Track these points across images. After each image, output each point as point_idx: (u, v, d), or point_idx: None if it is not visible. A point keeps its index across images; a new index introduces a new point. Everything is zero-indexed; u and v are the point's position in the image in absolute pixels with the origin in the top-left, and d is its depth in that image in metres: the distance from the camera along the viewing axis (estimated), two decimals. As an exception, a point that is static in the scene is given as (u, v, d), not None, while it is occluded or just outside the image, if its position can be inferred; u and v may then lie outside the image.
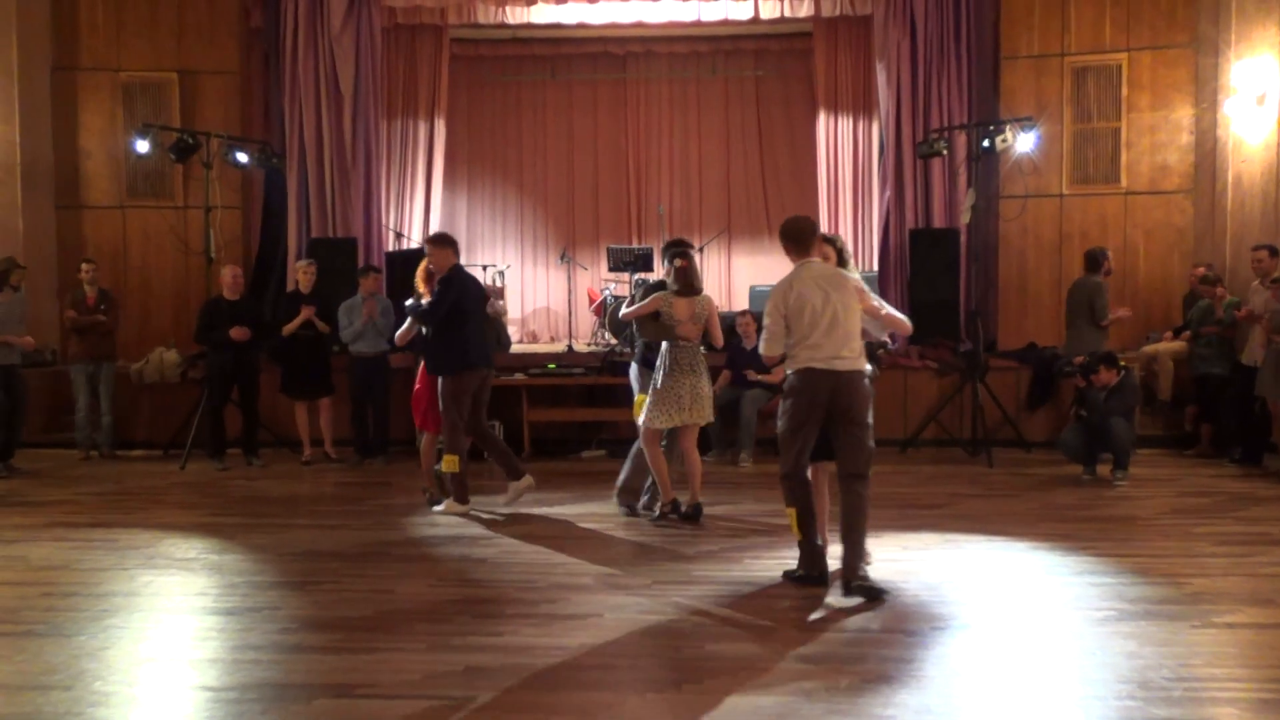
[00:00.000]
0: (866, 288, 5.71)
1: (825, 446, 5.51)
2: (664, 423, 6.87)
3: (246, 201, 11.89)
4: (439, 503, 7.53)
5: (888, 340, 11.30)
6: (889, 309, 5.86)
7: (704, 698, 4.02)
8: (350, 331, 9.53)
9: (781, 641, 4.70)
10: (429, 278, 7.41)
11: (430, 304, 7.28)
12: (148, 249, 11.57)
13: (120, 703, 4.05)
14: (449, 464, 7.33)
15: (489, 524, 7.15)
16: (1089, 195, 11.25)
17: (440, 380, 7.30)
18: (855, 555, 5.32)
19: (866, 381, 5.50)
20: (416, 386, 7.62)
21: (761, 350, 5.67)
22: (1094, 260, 9.54)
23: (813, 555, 5.51)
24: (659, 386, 6.89)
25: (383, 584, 5.71)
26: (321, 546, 6.54)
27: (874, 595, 5.22)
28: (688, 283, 7.05)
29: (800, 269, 5.54)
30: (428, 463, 7.68)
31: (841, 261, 5.88)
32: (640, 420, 7.00)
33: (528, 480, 7.53)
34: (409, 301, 7.52)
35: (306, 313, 9.45)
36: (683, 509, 6.98)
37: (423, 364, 7.54)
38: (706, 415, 6.98)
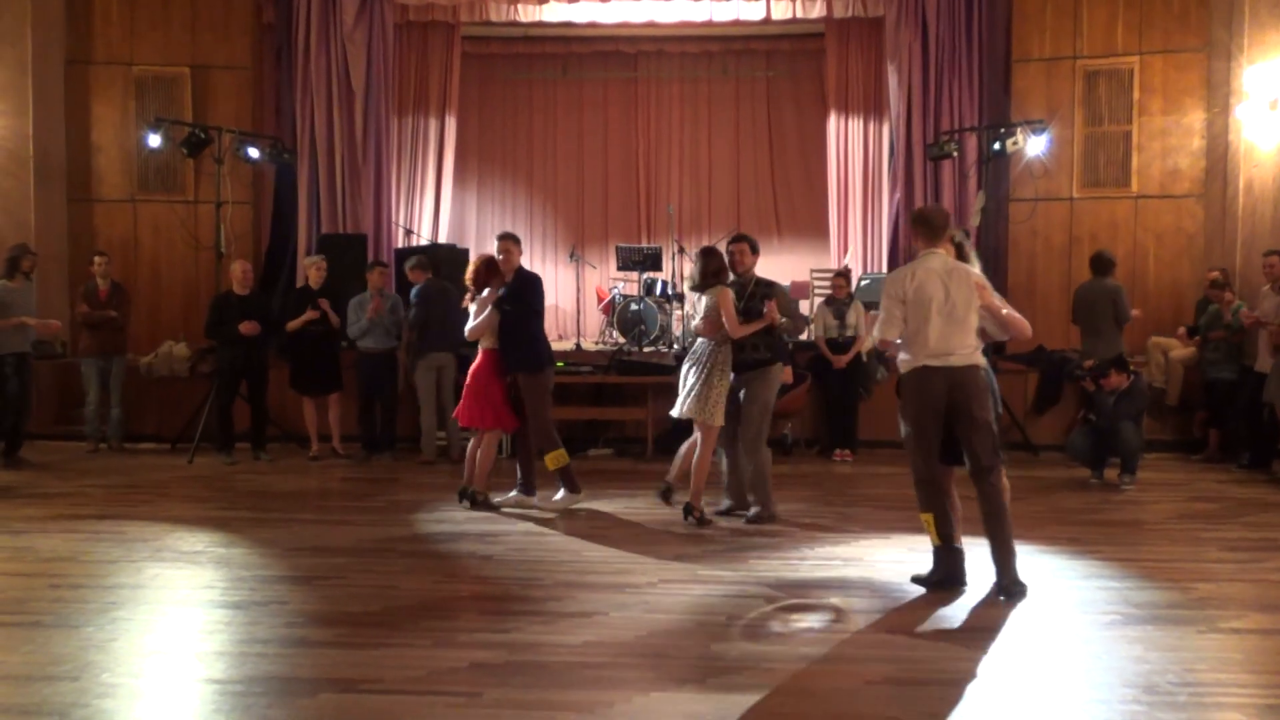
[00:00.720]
0: (988, 283, 5.63)
1: (953, 449, 5.47)
2: (723, 419, 6.85)
3: (257, 197, 11.92)
4: (482, 502, 7.47)
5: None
6: (1010, 309, 5.72)
7: (707, 696, 4.02)
8: (357, 327, 9.54)
9: (787, 642, 4.71)
10: (485, 274, 7.40)
11: (521, 297, 7.32)
12: (158, 243, 11.61)
13: (126, 695, 4.06)
14: (555, 460, 7.34)
15: (496, 521, 7.16)
16: (1099, 199, 11.22)
17: (522, 378, 7.32)
18: (1008, 555, 5.30)
19: (982, 374, 5.45)
20: (478, 383, 7.41)
21: (877, 335, 5.65)
22: (1109, 263, 9.52)
23: (950, 560, 5.45)
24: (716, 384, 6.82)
25: (389, 579, 5.71)
26: (328, 542, 6.55)
27: (1024, 595, 5.25)
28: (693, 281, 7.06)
29: (925, 258, 5.46)
30: (485, 466, 7.50)
31: (961, 258, 5.76)
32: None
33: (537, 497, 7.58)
34: (484, 293, 7.40)
35: (312, 313, 9.45)
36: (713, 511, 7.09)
37: (482, 361, 7.43)
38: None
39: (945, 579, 5.44)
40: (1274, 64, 9.73)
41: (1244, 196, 10.31)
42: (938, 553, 5.48)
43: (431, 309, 9.35)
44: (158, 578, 5.72)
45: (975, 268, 5.67)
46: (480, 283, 7.38)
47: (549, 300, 14.54)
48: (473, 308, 7.44)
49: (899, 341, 5.47)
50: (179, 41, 11.55)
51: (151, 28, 11.53)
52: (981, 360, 5.48)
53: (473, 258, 7.76)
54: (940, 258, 5.47)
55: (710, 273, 6.96)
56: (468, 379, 7.50)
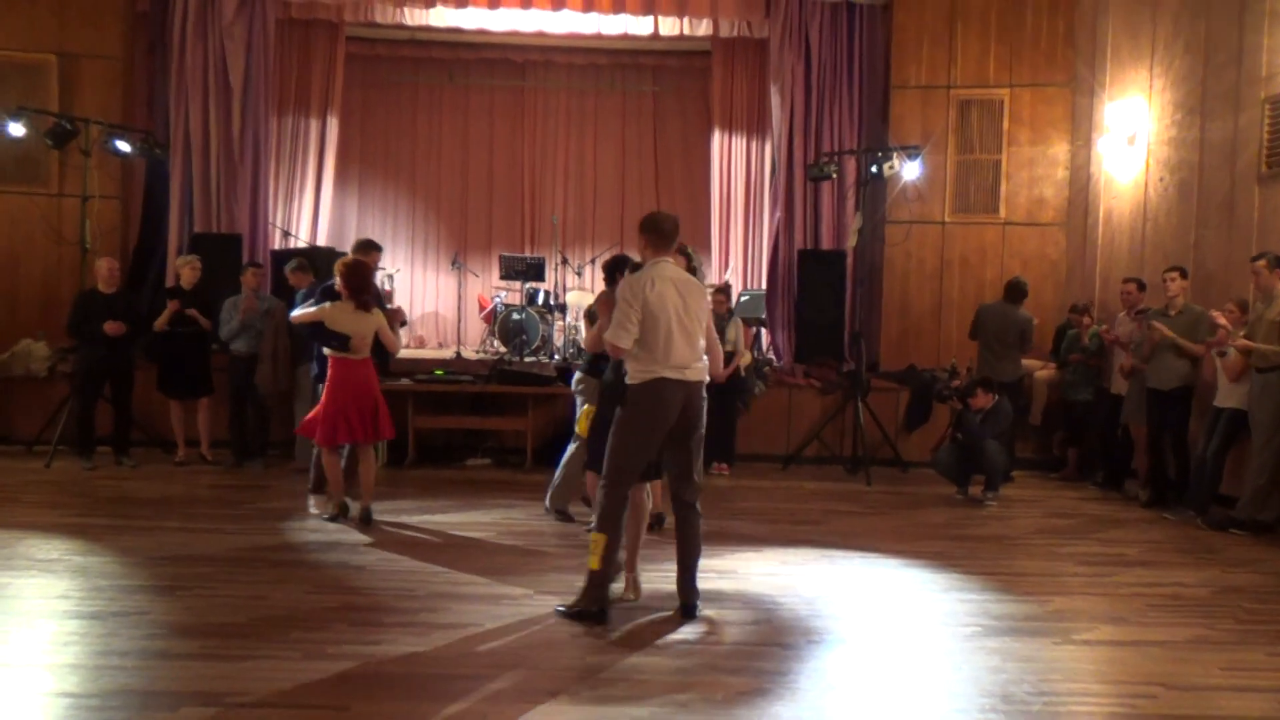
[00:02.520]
0: (708, 308, 5.42)
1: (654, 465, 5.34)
2: None
3: (126, 192, 11.49)
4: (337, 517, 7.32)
5: (772, 358, 11.57)
6: (714, 342, 5.43)
7: (581, 709, 4.04)
8: (229, 329, 9.28)
9: (660, 653, 4.75)
10: (367, 282, 7.43)
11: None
12: (15, 236, 11.06)
13: (-29, 710, 3.88)
14: None
15: (369, 531, 7.04)
16: (969, 224, 11.61)
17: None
18: (695, 576, 5.31)
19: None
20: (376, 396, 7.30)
21: (609, 338, 5.11)
22: (1023, 291, 9.91)
23: (604, 591, 5.16)
24: None
25: (257, 590, 5.58)
26: (194, 550, 6.36)
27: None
28: None
29: (659, 265, 5.19)
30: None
31: (691, 269, 5.60)
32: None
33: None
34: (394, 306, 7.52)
35: (173, 304, 9.16)
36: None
37: (373, 372, 7.32)
38: None
39: (599, 611, 5.13)
40: (1133, 100, 10.21)
41: (1104, 226, 10.80)
42: (594, 577, 5.12)
43: None
44: (8, 586, 5.48)
45: (705, 281, 5.45)
46: (357, 289, 7.23)
47: (429, 307, 14.56)
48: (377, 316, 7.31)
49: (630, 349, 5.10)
50: (45, 26, 11.04)
51: (14, 10, 10.99)
52: (706, 377, 5.29)
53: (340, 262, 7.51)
54: (672, 267, 5.25)
55: None
56: (364, 393, 7.23)
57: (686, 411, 5.16)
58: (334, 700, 4.06)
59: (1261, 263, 7.63)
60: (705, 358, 5.27)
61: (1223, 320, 7.73)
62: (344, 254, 12.09)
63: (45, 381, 10.20)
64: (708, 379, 5.30)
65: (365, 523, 7.16)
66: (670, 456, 5.29)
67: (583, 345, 6.93)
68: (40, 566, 5.89)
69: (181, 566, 5.99)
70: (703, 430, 5.30)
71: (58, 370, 10.21)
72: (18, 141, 10.41)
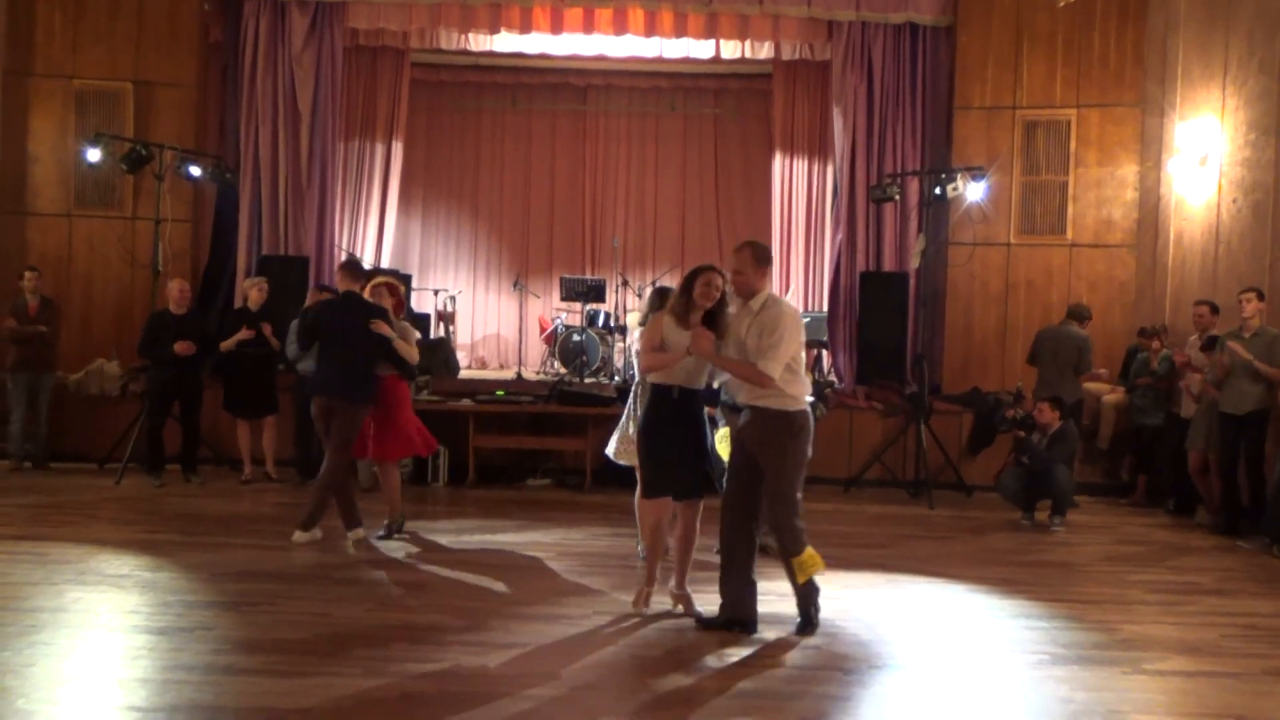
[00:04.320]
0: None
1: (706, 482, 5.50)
2: None
3: (197, 216, 11.74)
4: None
5: (834, 380, 11.48)
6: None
7: (641, 731, 4.01)
8: (294, 349, 9.42)
9: (723, 677, 4.70)
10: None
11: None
12: (93, 259, 11.36)
13: (43, 721, 3.96)
14: None
15: (430, 549, 7.09)
16: (1035, 245, 11.43)
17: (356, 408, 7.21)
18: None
19: None
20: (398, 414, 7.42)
21: (776, 373, 5.11)
22: (1084, 314, 9.90)
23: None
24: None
25: (320, 607, 5.64)
26: (258, 567, 6.45)
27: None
28: None
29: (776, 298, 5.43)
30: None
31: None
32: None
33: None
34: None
35: (247, 333, 9.34)
36: None
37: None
38: None
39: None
40: (1205, 120, 10.01)
41: (1174, 248, 10.58)
42: (804, 591, 5.37)
43: None
44: (79, 601, 5.59)
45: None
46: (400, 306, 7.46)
47: (491, 329, 14.68)
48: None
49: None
50: (122, 56, 11.37)
51: (94, 42, 11.34)
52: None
53: (379, 282, 7.50)
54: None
55: None
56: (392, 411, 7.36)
57: None
58: (394, 717, 4.08)
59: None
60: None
61: None
62: (408, 276, 12.34)
63: (117, 400, 10.45)
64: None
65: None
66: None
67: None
68: (110, 582, 6.01)
69: (246, 583, 6.07)
70: None
71: (129, 389, 10.44)
72: (95, 167, 10.75)
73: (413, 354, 7.44)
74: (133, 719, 4.01)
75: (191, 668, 4.58)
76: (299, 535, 7.11)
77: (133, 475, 9.38)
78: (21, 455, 9.86)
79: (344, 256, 11.68)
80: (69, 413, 10.34)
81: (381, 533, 7.33)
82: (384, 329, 7.11)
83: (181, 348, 9.19)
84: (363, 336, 7.06)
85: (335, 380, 7.09)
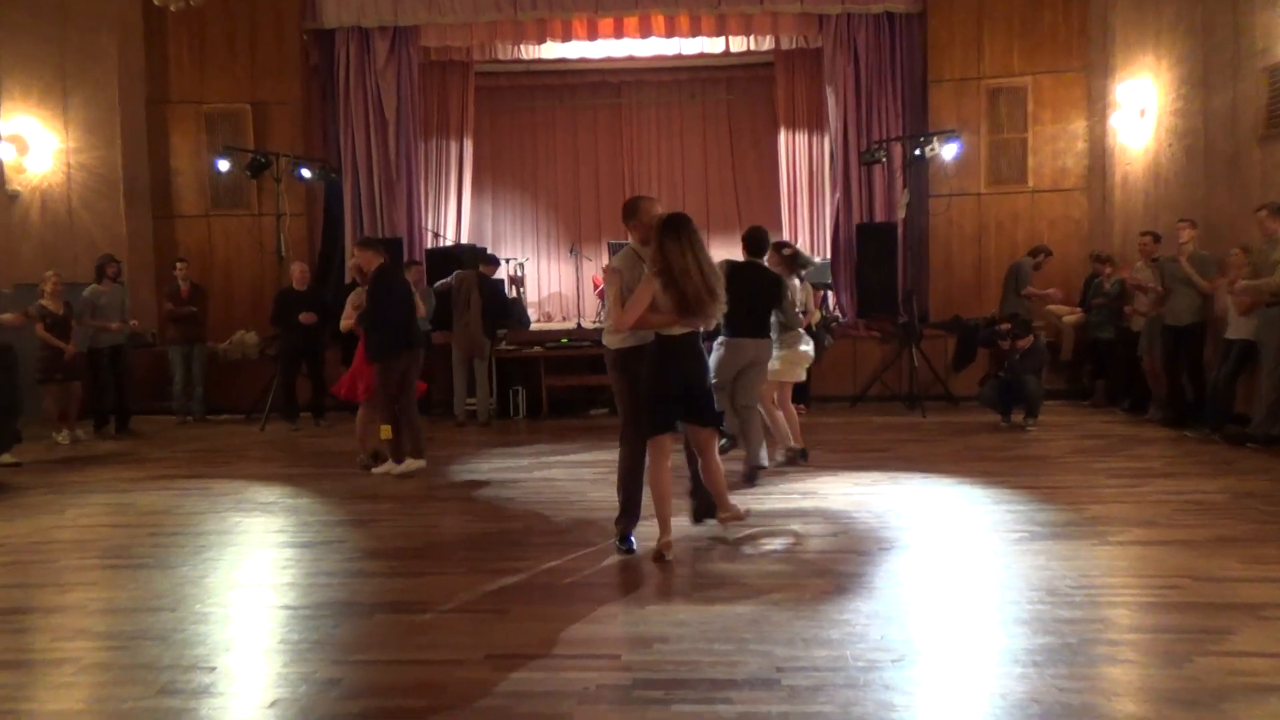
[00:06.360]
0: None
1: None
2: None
3: (310, 209, 11.78)
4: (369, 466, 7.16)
5: (838, 315, 11.34)
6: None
7: (694, 608, 4.02)
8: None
9: (758, 561, 4.71)
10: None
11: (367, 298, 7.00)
12: (229, 250, 11.47)
13: (217, 620, 4.04)
14: (384, 432, 6.87)
15: (516, 470, 7.14)
16: (1002, 194, 11.19)
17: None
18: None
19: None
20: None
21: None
22: (1035, 251, 10.06)
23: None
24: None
25: (429, 520, 5.70)
26: (378, 491, 6.53)
27: None
28: None
29: None
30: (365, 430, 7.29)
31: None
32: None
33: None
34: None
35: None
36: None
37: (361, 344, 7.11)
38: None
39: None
40: (1141, 80, 9.68)
41: (1120, 189, 10.30)
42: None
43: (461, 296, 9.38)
44: (238, 524, 5.70)
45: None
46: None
47: (554, 288, 14.63)
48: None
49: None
50: (241, 82, 11.38)
51: (218, 72, 11.35)
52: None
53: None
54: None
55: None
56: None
57: None
58: (496, 605, 4.12)
59: (1264, 212, 7.20)
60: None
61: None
62: (484, 249, 12.30)
63: (256, 363, 10.58)
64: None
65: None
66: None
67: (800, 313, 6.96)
68: (261, 508, 6.11)
69: (369, 504, 6.15)
70: None
71: (265, 353, 10.56)
72: (225, 175, 10.80)
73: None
74: (286, 615, 4.08)
75: (331, 573, 4.66)
76: (409, 464, 7.03)
77: (273, 423, 9.51)
78: (184, 411, 10.04)
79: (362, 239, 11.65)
80: (219, 375, 10.49)
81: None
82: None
83: (305, 318, 9.27)
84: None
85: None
